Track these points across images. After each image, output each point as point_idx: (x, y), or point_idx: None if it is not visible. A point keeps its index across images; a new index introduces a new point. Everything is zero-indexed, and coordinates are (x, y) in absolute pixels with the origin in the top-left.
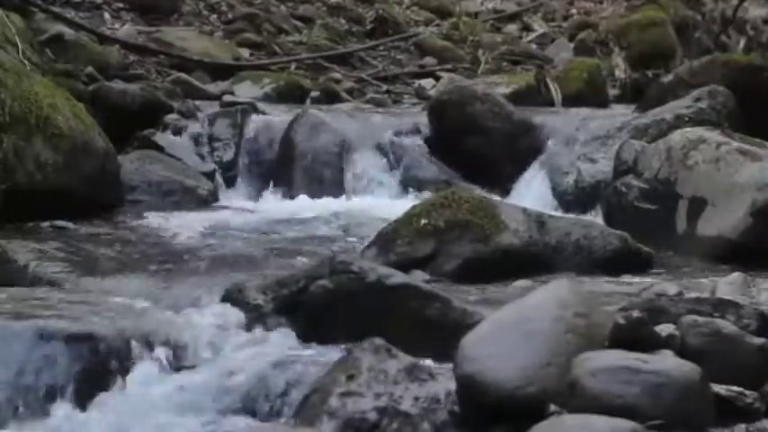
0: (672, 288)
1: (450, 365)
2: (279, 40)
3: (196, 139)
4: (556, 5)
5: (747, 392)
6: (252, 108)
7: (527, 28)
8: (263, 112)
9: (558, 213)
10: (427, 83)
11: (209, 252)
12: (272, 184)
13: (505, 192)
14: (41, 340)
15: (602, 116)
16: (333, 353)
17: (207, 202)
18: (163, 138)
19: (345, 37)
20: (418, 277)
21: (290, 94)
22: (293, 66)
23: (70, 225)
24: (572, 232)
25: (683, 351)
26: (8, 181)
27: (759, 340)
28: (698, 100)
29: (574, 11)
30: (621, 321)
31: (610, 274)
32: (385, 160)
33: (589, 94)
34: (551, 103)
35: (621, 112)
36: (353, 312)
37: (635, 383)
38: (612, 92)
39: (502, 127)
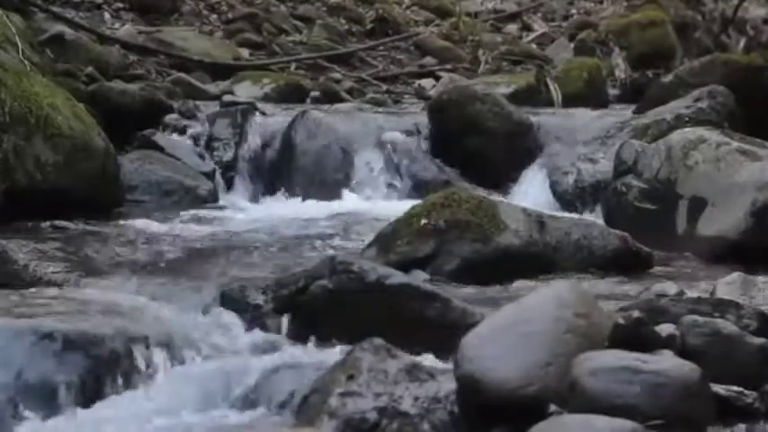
0: (672, 288)
1: (451, 365)
2: (279, 40)
3: (196, 139)
4: (556, 5)
5: (747, 392)
6: (252, 108)
7: (527, 28)
8: (263, 112)
9: (558, 213)
10: (427, 83)
11: (209, 252)
12: (272, 184)
13: (505, 192)
14: (41, 340)
15: (602, 116)
16: (333, 353)
17: (207, 202)
18: (163, 138)
19: (345, 37)
20: (418, 277)
21: (290, 94)
22: (293, 66)
23: (70, 225)
24: (572, 232)
25: (683, 351)
26: (8, 181)
27: (759, 340)
28: (698, 100)
29: (574, 11)
30: (621, 321)
31: (610, 274)
32: (385, 160)
33: (589, 94)
34: (551, 103)
35: (621, 112)
36: (353, 312)
37: (635, 383)
38: (612, 92)
39: (502, 127)
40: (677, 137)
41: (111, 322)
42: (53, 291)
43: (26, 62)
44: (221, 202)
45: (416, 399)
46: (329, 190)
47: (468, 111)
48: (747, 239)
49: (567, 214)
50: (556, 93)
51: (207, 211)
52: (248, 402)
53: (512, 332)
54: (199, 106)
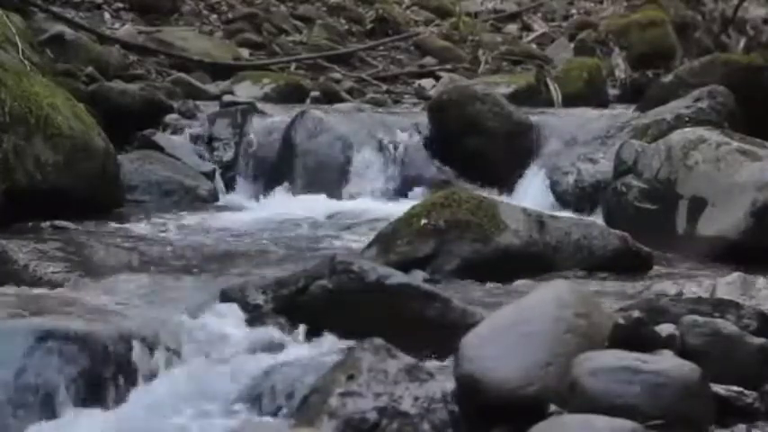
0: (672, 288)
1: (451, 365)
2: (279, 40)
3: (196, 139)
4: (556, 5)
5: (747, 392)
6: (252, 108)
7: (527, 28)
8: (263, 112)
9: (558, 213)
10: (427, 83)
11: (209, 252)
12: (271, 184)
13: (505, 192)
14: (41, 340)
15: (602, 116)
16: (333, 353)
17: (207, 202)
18: (163, 138)
19: (345, 37)
20: (418, 277)
21: (290, 94)
22: (293, 66)
23: (70, 225)
24: (572, 232)
25: (683, 351)
26: (8, 181)
27: (759, 340)
28: (698, 100)
29: (574, 11)
30: (621, 321)
31: (610, 274)
32: (385, 160)
33: (589, 94)
34: (551, 103)
35: (621, 112)
36: (353, 312)
37: (635, 383)
38: (612, 92)
39: (502, 127)
40: (677, 137)
41: (111, 322)
42: (53, 291)
43: (26, 62)
44: (221, 202)
45: (416, 399)
46: (329, 190)
47: (468, 111)
48: (747, 239)
49: (567, 214)
50: (556, 93)
51: (207, 211)
52: (248, 402)
53: (512, 332)
54: (199, 106)
